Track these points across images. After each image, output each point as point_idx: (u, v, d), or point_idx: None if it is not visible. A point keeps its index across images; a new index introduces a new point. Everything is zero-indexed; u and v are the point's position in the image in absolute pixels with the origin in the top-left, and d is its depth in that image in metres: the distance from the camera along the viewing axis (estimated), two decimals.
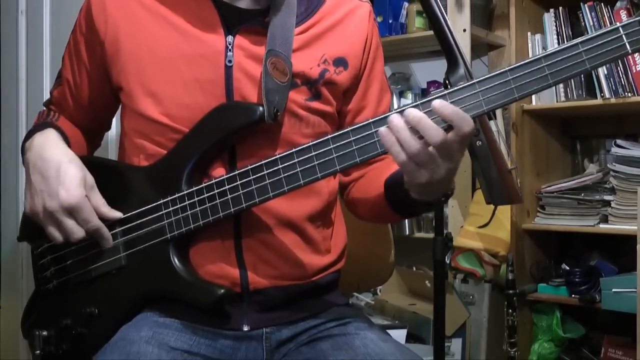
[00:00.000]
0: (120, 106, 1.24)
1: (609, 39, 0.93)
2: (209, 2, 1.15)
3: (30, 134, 1.18)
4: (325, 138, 1.03)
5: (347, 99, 1.22)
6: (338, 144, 1.03)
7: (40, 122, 1.24)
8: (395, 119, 0.95)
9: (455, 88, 0.97)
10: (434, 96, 0.96)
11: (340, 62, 1.19)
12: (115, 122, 1.36)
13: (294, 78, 1.14)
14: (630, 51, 0.92)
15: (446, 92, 0.97)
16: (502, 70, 0.96)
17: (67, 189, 1.09)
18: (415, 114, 0.94)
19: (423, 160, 0.95)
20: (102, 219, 1.12)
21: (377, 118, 1.01)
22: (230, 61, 1.12)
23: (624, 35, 0.92)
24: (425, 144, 0.94)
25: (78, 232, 1.10)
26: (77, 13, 1.23)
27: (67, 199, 1.08)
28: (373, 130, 1.01)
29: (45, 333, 1.15)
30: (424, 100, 0.97)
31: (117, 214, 1.13)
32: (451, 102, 0.96)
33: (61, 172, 1.10)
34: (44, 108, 1.32)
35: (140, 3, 1.16)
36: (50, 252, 1.20)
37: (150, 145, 1.15)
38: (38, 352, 1.14)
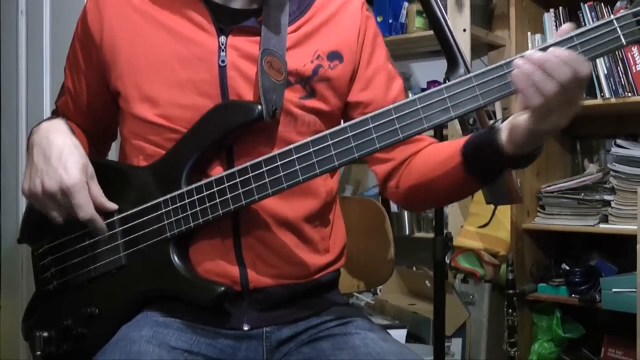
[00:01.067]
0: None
1: (604, 31, 0.93)
2: (201, 4, 1.15)
3: (39, 123, 1.20)
4: (324, 134, 1.04)
5: (346, 92, 1.22)
6: (336, 139, 1.03)
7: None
8: (523, 62, 0.93)
9: (453, 82, 0.97)
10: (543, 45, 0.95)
11: (335, 55, 1.18)
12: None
13: (288, 76, 1.14)
14: (624, 43, 0.92)
15: (444, 86, 0.97)
16: (498, 64, 0.97)
17: (68, 171, 1.09)
18: (540, 54, 0.92)
19: (556, 102, 0.92)
20: (99, 210, 1.12)
21: (374, 113, 1.01)
22: (223, 61, 1.13)
23: (618, 28, 0.93)
24: (558, 85, 0.92)
25: (73, 212, 1.11)
26: (77, 13, 1.24)
27: (65, 181, 1.09)
28: (370, 126, 1.01)
29: (45, 334, 1.15)
30: (540, 47, 0.95)
31: (114, 206, 1.14)
32: (448, 96, 0.96)
33: (64, 154, 1.11)
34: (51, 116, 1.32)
35: (134, 8, 1.17)
36: (50, 253, 1.20)
37: (148, 146, 1.15)
38: (39, 352, 1.14)
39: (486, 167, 1.08)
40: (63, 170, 1.09)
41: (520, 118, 0.97)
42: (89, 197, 1.11)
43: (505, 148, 1.01)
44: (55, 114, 1.32)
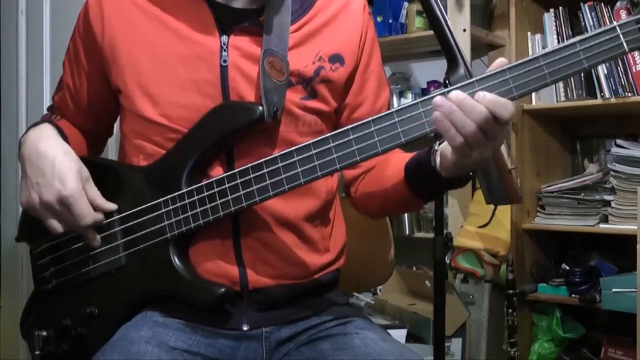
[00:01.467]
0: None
1: (607, 37, 0.94)
2: (203, 3, 1.15)
3: (26, 132, 1.19)
4: (325, 136, 1.03)
5: (344, 94, 1.22)
6: (338, 142, 1.03)
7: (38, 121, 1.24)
8: (442, 101, 0.94)
9: (455, 86, 0.97)
10: (462, 84, 0.97)
11: (336, 58, 1.18)
12: (115, 126, 1.36)
13: (289, 77, 1.14)
14: (627, 50, 0.93)
15: (446, 90, 0.97)
16: (500, 69, 0.96)
17: (63, 182, 1.09)
18: (459, 94, 0.94)
19: (475, 141, 0.94)
20: (98, 211, 1.12)
21: (377, 116, 1.01)
22: (225, 61, 1.13)
23: (621, 35, 0.93)
24: (476, 126, 0.93)
25: (74, 222, 1.11)
26: (77, 13, 1.24)
27: (63, 192, 1.09)
28: (373, 129, 1.01)
29: (44, 333, 1.15)
30: (438, 92, 0.97)
31: (113, 206, 1.14)
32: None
33: (56, 165, 1.10)
34: (47, 113, 1.33)
35: (136, 6, 1.17)
36: (49, 252, 1.20)
37: (149, 145, 1.15)
38: (37, 352, 1.14)
39: (425, 186, 1.12)
40: (58, 182, 1.09)
41: (447, 149, 1.01)
42: (88, 205, 1.11)
43: (439, 171, 1.05)
44: (51, 109, 1.32)
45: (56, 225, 1.12)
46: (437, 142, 1.06)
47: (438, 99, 0.94)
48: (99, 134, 1.35)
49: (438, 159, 1.05)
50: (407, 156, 1.15)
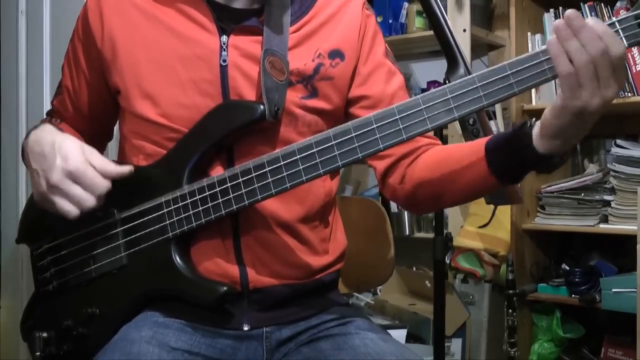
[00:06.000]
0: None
1: None
2: (202, 4, 1.15)
3: (26, 136, 1.18)
4: (327, 134, 1.03)
5: (348, 90, 1.21)
6: (340, 140, 1.03)
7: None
8: (561, 26, 0.91)
9: (456, 82, 0.97)
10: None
11: (336, 54, 1.18)
12: (115, 129, 1.36)
13: (289, 76, 1.14)
14: (626, 45, 0.92)
15: (447, 86, 0.97)
16: (501, 65, 0.96)
17: (65, 158, 1.07)
18: (579, 19, 0.91)
19: (587, 75, 0.91)
20: (112, 177, 1.09)
21: (377, 113, 1.01)
22: (224, 60, 1.13)
23: (620, 30, 0.93)
24: (590, 57, 0.90)
25: (88, 198, 1.07)
26: (77, 13, 1.24)
27: (67, 166, 1.07)
28: (374, 126, 1.01)
29: (45, 334, 1.15)
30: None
31: (125, 169, 1.11)
32: (451, 97, 0.96)
33: (56, 145, 1.09)
34: (46, 117, 1.32)
35: (135, 6, 1.17)
36: (50, 253, 1.20)
37: (149, 145, 1.15)
38: (38, 353, 1.13)
39: (510, 163, 1.03)
40: (61, 159, 1.07)
41: (547, 113, 0.96)
42: (96, 174, 1.08)
43: (534, 142, 0.98)
44: (50, 114, 1.32)
45: (69, 207, 1.08)
46: (534, 119, 1.01)
47: (558, 22, 0.91)
48: (99, 138, 1.34)
49: (536, 129, 0.98)
50: (477, 140, 1.09)
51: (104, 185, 1.08)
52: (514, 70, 0.95)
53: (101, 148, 1.38)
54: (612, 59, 0.90)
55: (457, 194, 1.13)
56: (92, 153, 1.10)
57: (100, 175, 1.08)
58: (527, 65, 0.95)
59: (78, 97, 1.26)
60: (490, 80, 0.97)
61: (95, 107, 1.26)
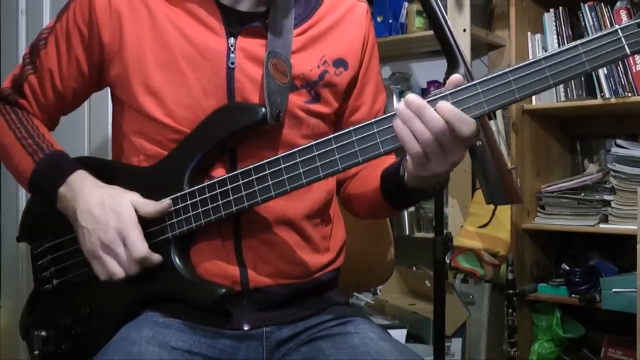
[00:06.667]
0: (111, 106, 1.24)
1: (609, 40, 0.94)
2: (212, 5, 1.15)
3: (63, 180, 1.13)
4: (328, 138, 1.04)
5: (346, 97, 1.23)
6: (340, 143, 1.03)
7: (47, 158, 1.15)
8: (403, 108, 0.95)
9: (457, 88, 0.97)
10: (436, 96, 0.96)
11: (340, 62, 1.19)
12: (108, 125, 1.33)
13: (293, 80, 1.14)
14: (629, 53, 0.93)
15: (448, 92, 0.97)
16: (503, 72, 0.96)
17: (119, 215, 1.07)
18: (420, 102, 0.94)
19: (433, 151, 0.95)
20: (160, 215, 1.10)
21: (379, 118, 1.01)
22: (232, 63, 1.13)
23: (622, 38, 0.93)
24: (433, 137, 0.94)
25: (132, 267, 1.07)
26: None
27: (119, 223, 1.07)
28: (375, 131, 1.01)
29: (44, 333, 1.15)
30: (427, 99, 0.97)
31: (164, 205, 1.10)
32: (453, 102, 0.96)
33: (105, 205, 1.08)
34: (7, 91, 1.22)
35: (145, 4, 1.15)
36: (50, 252, 1.20)
37: (150, 146, 1.15)
38: (37, 352, 1.14)
39: (395, 195, 1.15)
40: (113, 215, 1.07)
41: (408, 160, 1.02)
42: (140, 233, 1.07)
43: (405, 182, 1.07)
44: (18, 91, 1.21)
45: (117, 269, 1.07)
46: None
47: (400, 106, 0.96)
48: (54, 124, 1.28)
49: (405, 170, 1.06)
50: (389, 163, 1.18)
51: (143, 250, 1.07)
52: (516, 77, 0.95)
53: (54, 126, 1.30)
54: (458, 137, 0.94)
55: (370, 213, 1.28)
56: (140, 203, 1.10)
57: (142, 238, 1.07)
58: (529, 72, 0.96)
59: (64, 84, 1.20)
60: (492, 86, 0.96)
61: (78, 96, 1.23)
